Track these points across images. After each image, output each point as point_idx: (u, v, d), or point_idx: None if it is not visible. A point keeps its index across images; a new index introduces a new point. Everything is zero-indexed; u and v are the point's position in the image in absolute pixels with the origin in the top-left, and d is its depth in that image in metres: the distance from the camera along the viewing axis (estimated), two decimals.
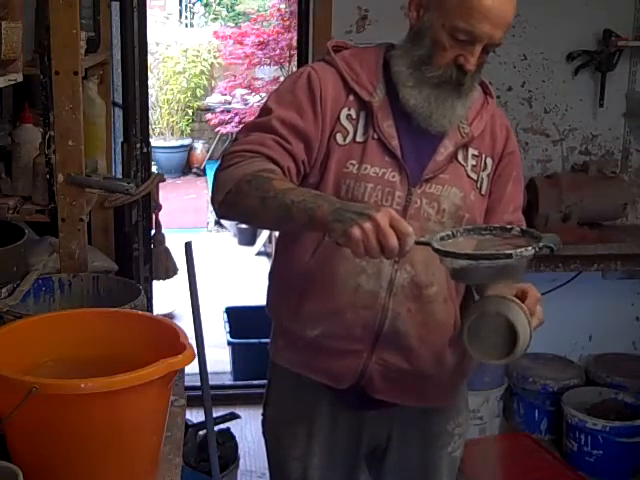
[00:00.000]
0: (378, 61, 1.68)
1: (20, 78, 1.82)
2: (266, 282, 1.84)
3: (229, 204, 1.57)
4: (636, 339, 3.72)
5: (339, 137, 1.63)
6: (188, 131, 8.81)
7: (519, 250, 1.36)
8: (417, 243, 1.39)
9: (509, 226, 1.50)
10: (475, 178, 1.70)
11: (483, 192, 1.72)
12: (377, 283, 1.64)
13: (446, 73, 1.58)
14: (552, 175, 3.39)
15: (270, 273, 1.83)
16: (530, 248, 1.37)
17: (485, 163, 1.72)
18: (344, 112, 1.64)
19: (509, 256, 1.35)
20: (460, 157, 1.69)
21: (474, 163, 1.70)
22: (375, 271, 1.64)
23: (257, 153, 1.59)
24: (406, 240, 1.35)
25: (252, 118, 1.76)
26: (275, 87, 1.80)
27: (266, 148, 1.59)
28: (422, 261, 1.64)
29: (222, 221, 6.89)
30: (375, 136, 1.63)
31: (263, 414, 1.91)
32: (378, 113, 1.63)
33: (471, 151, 1.70)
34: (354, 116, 1.65)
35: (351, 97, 1.65)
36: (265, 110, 1.66)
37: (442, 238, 1.45)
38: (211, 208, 7.29)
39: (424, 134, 1.65)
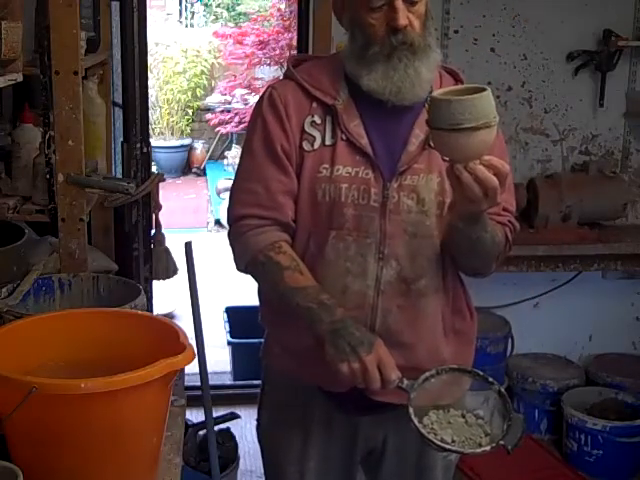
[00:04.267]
0: (338, 67, 1.70)
1: (20, 78, 1.83)
2: None
3: (251, 274, 1.74)
4: (636, 339, 3.72)
5: (306, 145, 1.66)
6: (188, 131, 8.80)
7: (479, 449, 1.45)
8: (398, 387, 1.52)
9: (490, 379, 1.55)
10: None
11: None
12: (363, 282, 1.64)
13: (386, 44, 1.59)
14: (552, 175, 3.38)
15: (259, 286, 1.83)
16: (489, 448, 1.44)
17: None
18: (308, 120, 1.67)
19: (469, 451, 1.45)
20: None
21: None
22: (360, 271, 1.64)
23: (260, 219, 1.66)
24: (388, 385, 1.52)
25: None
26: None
27: (265, 210, 1.66)
28: (408, 255, 1.65)
29: (222, 221, 6.88)
30: (343, 137, 1.65)
31: (258, 420, 1.91)
32: (343, 115, 1.65)
33: None
34: (319, 122, 1.67)
35: (314, 104, 1.67)
36: (247, 147, 1.72)
37: (426, 379, 1.54)
38: (211, 208, 7.30)
39: (393, 129, 1.66)
